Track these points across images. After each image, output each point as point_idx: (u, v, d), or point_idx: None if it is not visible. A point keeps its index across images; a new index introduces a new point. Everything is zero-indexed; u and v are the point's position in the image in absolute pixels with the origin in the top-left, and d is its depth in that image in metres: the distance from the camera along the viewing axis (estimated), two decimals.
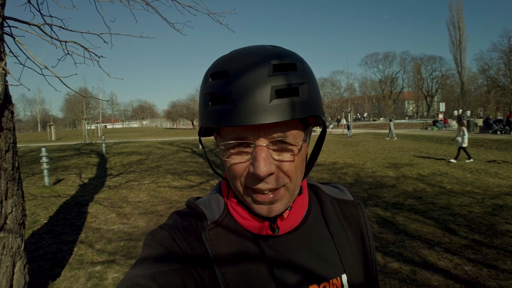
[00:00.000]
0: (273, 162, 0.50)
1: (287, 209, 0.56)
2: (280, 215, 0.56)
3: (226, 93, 0.47)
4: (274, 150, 0.50)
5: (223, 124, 0.47)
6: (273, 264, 0.55)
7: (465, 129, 10.24)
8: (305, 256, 0.58)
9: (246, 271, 0.53)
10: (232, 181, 0.54)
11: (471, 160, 10.14)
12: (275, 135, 0.49)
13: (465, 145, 10.17)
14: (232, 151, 0.51)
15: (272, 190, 0.51)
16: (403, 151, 13.62)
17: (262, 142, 0.49)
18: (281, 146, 0.50)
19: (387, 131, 25.08)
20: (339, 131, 31.19)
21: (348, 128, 24.17)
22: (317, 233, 0.61)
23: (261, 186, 0.50)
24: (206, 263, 0.54)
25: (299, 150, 0.52)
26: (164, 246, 0.53)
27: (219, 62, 0.52)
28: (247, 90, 0.46)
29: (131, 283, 0.47)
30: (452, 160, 10.27)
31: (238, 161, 0.51)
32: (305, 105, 0.48)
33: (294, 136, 0.51)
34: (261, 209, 0.53)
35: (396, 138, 20.48)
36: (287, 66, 0.49)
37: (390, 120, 22.91)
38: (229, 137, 0.50)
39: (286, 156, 0.51)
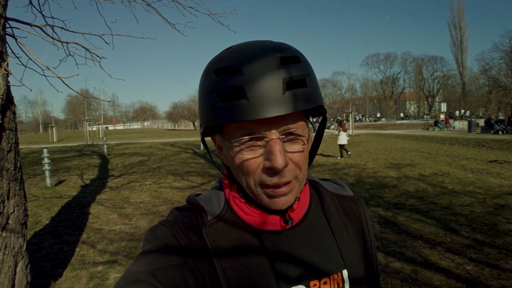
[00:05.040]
0: (286, 155, 0.50)
1: (296, 200, 0.57)
2: (291, 206, 0.56)
3: (238, 88, 0.47)
4: (285, 142, 0.50)
5: (238, 119, 0.47)
6: (274, 260, 0.55)
7: (341, 129, 11.84)
8: (306, 251, 0.58)
9: (247, 266, 0.53)
10: (244, 178, 0.53)
11: (340, 158, 11.64)
12: (285, 127, 0.49)
13: (339, 143, 11.74)
14: (242, 146, 0.50)
15: (286, 183, 0.51)
16: (405, 151, 13.59)
17: (275, 135, 0.49)
18: (292, 137, 0.51)
19: (387, 131, 25.08)
20: None
21: None
22: (318, 229, 0.61)
23: (277, 180, 0.50)
24: (207, 259, 0.53)
25: (307, 140, 0.52)
26: (164, 242, 0.53)
27: (222, 58, 0.51)
28: (260, 84, 0.46)
29: (131, 279, 0.47)
30: (339, 158, 11.73)
31: (251, 157, 0.50)
32: (312, 95, 0.50)
33: (302, 127, 0.51)
34: (276, 203, 0.52)
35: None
36: (291, 59, 0.50)
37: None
38: (239, 133, 0.50)
39: (297, 147, 0.51)
